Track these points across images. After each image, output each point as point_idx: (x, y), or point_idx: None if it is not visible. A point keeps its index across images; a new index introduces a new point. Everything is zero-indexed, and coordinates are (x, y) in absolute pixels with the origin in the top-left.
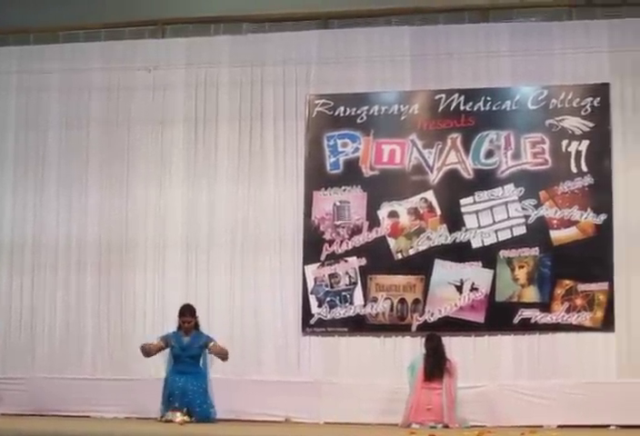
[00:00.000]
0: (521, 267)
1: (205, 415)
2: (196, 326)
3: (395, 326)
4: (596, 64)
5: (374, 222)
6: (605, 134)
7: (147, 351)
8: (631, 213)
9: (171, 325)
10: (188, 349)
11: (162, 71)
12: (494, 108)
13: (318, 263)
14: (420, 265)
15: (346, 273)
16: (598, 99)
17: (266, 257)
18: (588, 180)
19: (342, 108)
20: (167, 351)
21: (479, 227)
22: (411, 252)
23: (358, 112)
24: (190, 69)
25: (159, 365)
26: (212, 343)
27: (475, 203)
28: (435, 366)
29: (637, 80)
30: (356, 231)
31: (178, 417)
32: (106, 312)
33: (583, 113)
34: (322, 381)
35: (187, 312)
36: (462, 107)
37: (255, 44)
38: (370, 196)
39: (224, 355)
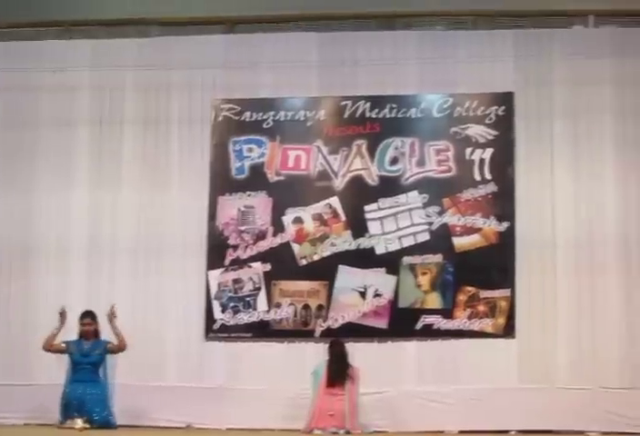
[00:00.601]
0: (424, 273)
1: (104, 423)
2: (97, 333)
3: (299, 332)
4: (501, 73)
5: (278, 227)
6: (509, 143)
7: (49, 339)
8: (533, 221)
9: (72, 330)
10: (88, 355)
11: (68, 72)
12: (399, 115)
13: (222, 269)
14: (324, 271)
15: (250, 279)
16: (502, 108)
17: (170, 262)
18: (491, 188)
19: (248, 113)
20: (67, 360)
21: (383, 233)
22: (315, 257)
23: (264, 117)
24: (96, 71)
25: (59, 370)
26: (110, 344)
27: (379, 209)
28: (338, 372)
29: (541, 89)
30: (261, 236)
31: (78, 423)
32: (6, 316)
33: (487, 121)
34: (225, 387)
35: (88, 316)
36: (367, 114)
37: (161, 48)
38: (275, 202)
39: (122, 341)
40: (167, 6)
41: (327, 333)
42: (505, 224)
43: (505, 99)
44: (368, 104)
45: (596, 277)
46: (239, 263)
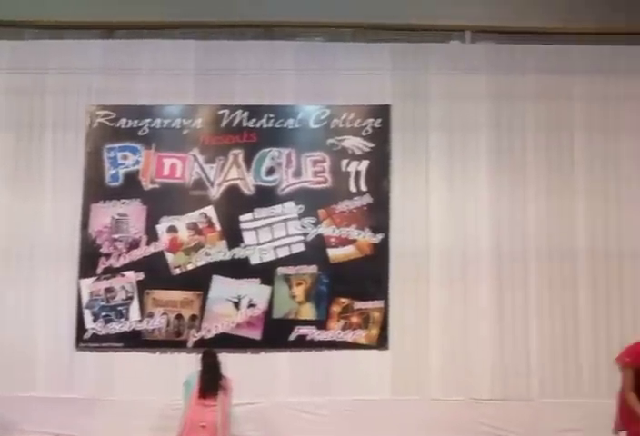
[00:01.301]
0: (299, 284)
1: None
2: None
3: (172, 342)
4: (378, 86)
5: (152, 236)
6: (385, 155)
7: None
8: (407, 233)
9: None
10: None
11: None
12: (276, 125)
13: (94, 277)
14: (198, 281)
15: (123, 288)
16: (379, 120)
17: (41, 270)
18: (367, 199)
19: (124, 120)
20: None
21: (258, 244)
22: (189, 267)
23: (140, 124)
24: None
25: None
26: None
27: (254, 219)
28: (211, 383)
29: (418, 103)
30: (134, 245)
31: None
32: None
33: (364, 133)
34: (96, 398)
35: None
36: (245, 123)
37: (36, 51)
38: (150, 210)
39: None
40: (44, 9)
41: (200, 344)
42: (380, 236)
43: (382, 112)
44: (246, 114)
45: (469, 288)
46: (112, 272)
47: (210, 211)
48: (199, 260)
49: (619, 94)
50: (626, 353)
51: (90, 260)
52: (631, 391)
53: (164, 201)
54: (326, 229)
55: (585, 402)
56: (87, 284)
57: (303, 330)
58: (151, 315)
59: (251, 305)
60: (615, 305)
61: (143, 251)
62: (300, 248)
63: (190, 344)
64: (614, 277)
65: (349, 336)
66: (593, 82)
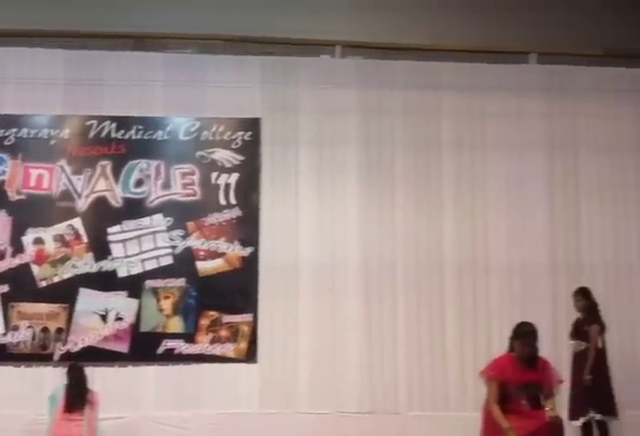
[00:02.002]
0: (167, 297)
1: None
2: None
3: (37, 355)
4: (248, 99)
5: (18, 248)
6: (255, 169)
7: None
8: (276, 247)
9: None
10: None
11: None
12: (145, 137)
13: None
14: (64, 294)
15: None
16: (249, 133)
17: None
18: (236, 212)
19: None
20: None
21: (126, 256)
22: (56, 279)
23: (6, 134)
24: None
25: None
26: None
27: (122, 231)
28: (77, 397)
29: (287, 116)
30: None
31: None
32: None
33: (233, 146)
34: None
35: None
36: (113, 135)
37: None
38: (15, 221)
39: None
40: None
41: (67, 357)
42: (249, 249)
43: (252, 125)
44: (114, 125)
45: (338, 302)
46: None
47: (77, 223)
48: (66, 272)
49: (484, 111)
50: (491, 367)
51: None
52: (495, 404)
53: (30, 212)
54: (195, 242)
55: (452, 415)
56: None
57: (171, 343)
58: (16, 328)
59: (118, 318)
60: (482, 318)
61: (8, 263)
62: (168, 261)
63: (56, 358)
64: (480, 291)
65: (217, 349)
66: (459, 98)
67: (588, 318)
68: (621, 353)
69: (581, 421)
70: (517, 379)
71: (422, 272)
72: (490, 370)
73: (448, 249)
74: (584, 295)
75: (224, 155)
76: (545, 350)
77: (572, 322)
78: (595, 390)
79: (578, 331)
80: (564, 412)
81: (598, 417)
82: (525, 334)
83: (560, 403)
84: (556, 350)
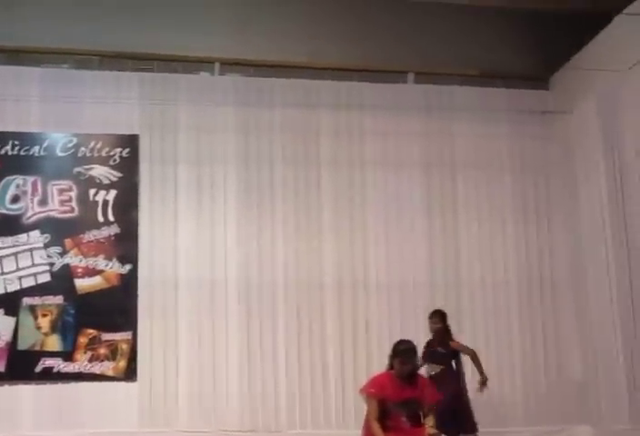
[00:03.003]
0: (44, 315)
1: None
2: None
3: None
4: (126, 116)
5: None
6: (133, 185)
7: None
8: (155, 264)
9: None
10: None
11: None
12: (22, 153)
13: None
14: None
15: None
16: (127, 150)
17: None
18: (115, 229)
19: None
20: None
21: (2, 273)
22: None
23: None
24: None
25: None
26: None
27: None
28: None
29: (166, 134)
30: None
31: None
32: None
33: (112, 162)
34: None
35: None
36: None
37: None
38: None
39: None
40: None
41: None
42: (128, 267)
43: (130, 141)
44: None
45: (217, 319)
46: None
47: None
48: None
49: (363, 129)
50: (370, 384)
51: None
52: (375, 421)
53: None
54: (73, 259)
55: (334, 433)
56: None
57: (49, 361)
58: None
59: None
60: (361, 335)
61: None
62: (46, 278)
63: None
64: (360, 308)
65: (97, 368)
66: (338, 116)
67: (442, 340)
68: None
69: None
70: (397, 396)
71: (302, 290)
72: (369, 387)
73: (328, 266)
74: (440, 318)
75: (102, 172)
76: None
77: (424, 345)
78: (457, 410)
79: (432, 354)
80: None
81: None
82: (404, 352)
83: None
84: None
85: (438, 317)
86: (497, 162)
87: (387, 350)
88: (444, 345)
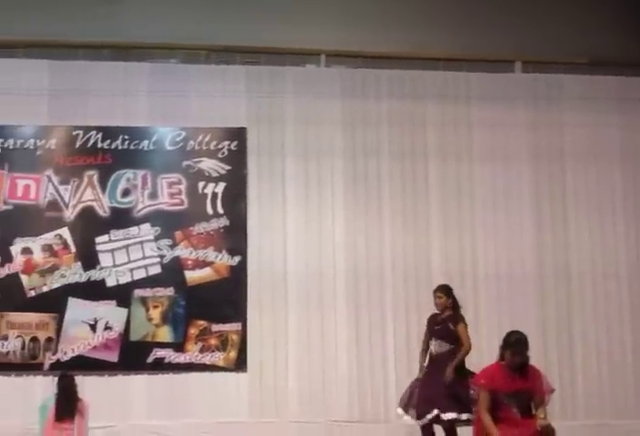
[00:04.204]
0: (155, 307)
1: None
2: None
3: (27, 365)
4: (233, 109)
5: (6, 257)
6: (242, 178)
7: None
8: (264, 256)
9: None
10: None
11: None
12: (131, 147)
13: None
14: (53, 303)
15: None
16: (235, 143)
17: None
18: (224, 221)
19: None
20: None
21: (114, 266)
22: (44, 289)
23: None
24: None
25: None
26: None
27: (110, 241)
28: (67, 406)
29: (273, 125)
30: None
31: None
32: None
33: (220, 155)
34: None
35: None
36: (99, 145)
37: None
38: (3, 231)
39: None
40: None
41: (57, 366)
42: (237, 258)
43: (238, 134)
44: (100, 135)
45: (326, 310)
46: None
47: (65, 232)
48: (54, 282)
49: (470, 120)
50: (481, 375)
51: None
52: (486, 413)
53: (17, 222)
54: (183, 251)
55: None
56: None
57: (160, 352)
58: (5, 338)
59: (107, 328)
60: (471, 326)
61: None
62: (157, 270)
63: (46, 367)
64: (468, 300)
65: (207, 358)
66: (445, 107)
67: (452, 316)
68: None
69: (427, 418)
70: (507, 387)
71: (409, 282)
72: (480, 378)
73: (436, 258)
74: (445, 292)
75: (210, 165)
76: (533, 357)
77: (428, 319)
78: (457, 390)
79: (440, 331)
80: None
81: (465, 416)
82: (515, 343)
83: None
84: (546, 357)
85: (442, 291)
86: (607, 152)
87: (497, 341)
88: (454, 322)
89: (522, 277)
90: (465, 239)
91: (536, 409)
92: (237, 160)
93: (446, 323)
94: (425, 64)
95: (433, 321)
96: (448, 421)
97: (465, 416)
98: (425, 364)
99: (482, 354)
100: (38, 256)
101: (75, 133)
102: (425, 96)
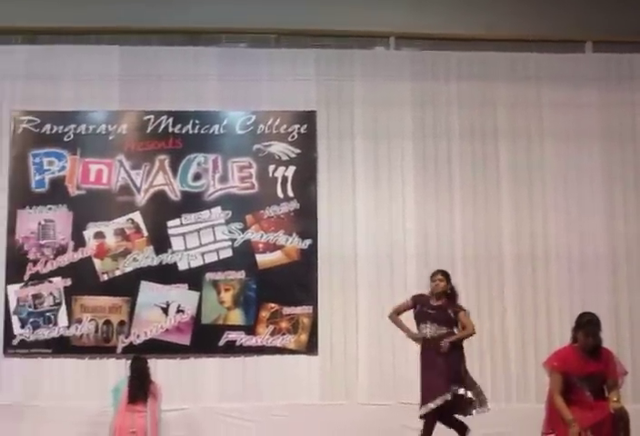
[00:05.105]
0: (227, 290)
1: None
2: None
3: (101, 348)
4: (303, 92)
5: (79, 242)
6: (311, 161)
7: None
8: (334, 239)
9: None
10: None
11: None
12: (202, 131)
13: (21, 283)
14: (126, 287)
15: (51, 294)
16: (305, 126)
17: None
18: (294, 205)
19: (48, 126)
20: None
21: (186, 249)
22: (117, 273)
23: (65, 130)
24: None
25: None
26: None
27: (182, 225)
28: (140, 388)
29: (342, 108)
30: (61, 251)
31: None
32: None
33: (290, 139)
34: (22, 404)
35: None
36: (170, 129)
37: None
38: (76, 216)
39: None
40: None
41: (129, 350)
42: (308, 242)
43: (308, 117)
44: (171, 120)
45: (396, 293)
46: (39, 278)
47: (137, 216)
48: (127, 265)
49: (541, 101)
50: (554, 358)
51: (17, 266)
52: (559, 395)
53: (90, 207)
54: (254, 234)
55: (514, 407)
56: (15, 290)
57: (232, 335)
58: (79, 321)
59: (179, 311)
60: (542, 309)
61: (70, 257)
62: (228, 254)
63: (119, 350)
64: (540, 282)
65: (278, 341)
66: (515, 88)
67: (451, 304)
68: None
69: (437, 403)
70: (580, 370)
71: (480, 263)
72: (553, 360)
73: (507, 239)
74: (446, 277)
75: (280, 148)
76: (605, 341)
77: (412, 299)
78: (454, 370)
79: (437, 316)
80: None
81: (462, 391)
82: (587, 324)
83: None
84: (618, 340)
85: (444, 275)
86: None
87: (568, 323)
88: (455, 310)
89: (594, 260)
90: (537, 221)
91: (609, 392)
92: (307, 143)
93: (446, 311)
94: (494, 45)
95: (425, 303)
96: (462, 397)
97: (469, 393)
98: (419, 350)
99: (553, 338)
100: (111, 240)
101: (146, 117)
102: (495, 77)
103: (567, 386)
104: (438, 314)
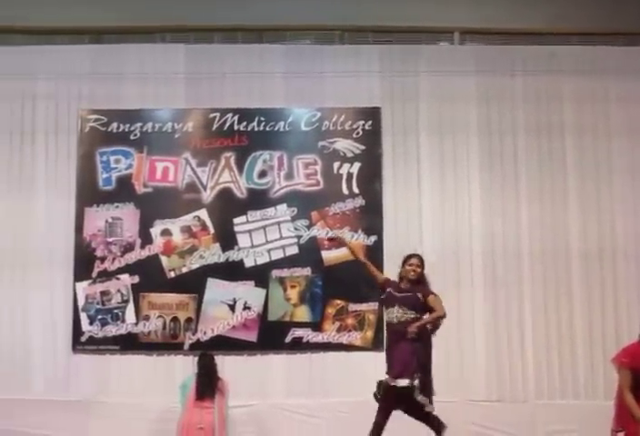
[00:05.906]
0: (293, 287)
1: None
2: None
3: (168, 344)
4: (367, 88)
5: (146, 239)
6: (376, 157)
7: None
8: (400, 235)
9: None
10: None
11: None
12: (267, 128)
13: (89, 281)
14: (193, 284)
15: (118, 291)
16: (370, 122)
17: (36, 274)
18: (359, 201)
19: (115, 124)
20: None
21: (252, 246)
22: (184, 270)
23: (132, 128)
24: None
25: None
26: None
27: (247, 222)
28: (207, 385)
29: (407, 105)
30: (129, 248)
31: None
32: None
33: (355, 135)
34: (91, 400)
35: None
36: (236, 127)
37: (26, 57)
38: (143, 213)
39: None
40: (33, 15)
41: (196, 346)
42: (373, 238)
43: (372, 114)
44: (236, 117)
45: (462, 290)
46: (107, 275)
47: (203, 214)
48: (194, 263)
49: (608, 95)
50: (623, 354)
51: (85, 263)
52: (628, 392)
53: (157, 204)
54: (319, 231)
55: (582, 404)
56: (83, 287)
57: (298, 332)
58: (147, 318)
59: (246, 308)
60: (610, 305)
61: (137, 254)
62: (294, 250)
63: (186, 347)
64: (607, 278)
65: (344, 338)
66: (581, 82)
67: (421, 288)
68: None
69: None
70: None
71: (547, 261)
72: (623, 356)
73: (574, 235)
74: (422, 263)
75: (345, 145)
76: None
77: (382, 283)
78: (416, 357)
79: (405, 299)
80: None
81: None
82: None
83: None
84: None
85: (420, 260)
86: None
87: (637, 319)
88: (424, 294)
89: None
90: (604, 216)
91: None
92: (372, 139)
93: (414, 293)
94: (559, 39)
95: (394, 287)
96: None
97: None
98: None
99: (621, 334)
100: (177, 238)
101: (211, 115)
102: (561, 71)
103: (637, 382)
104: (407, 298)
